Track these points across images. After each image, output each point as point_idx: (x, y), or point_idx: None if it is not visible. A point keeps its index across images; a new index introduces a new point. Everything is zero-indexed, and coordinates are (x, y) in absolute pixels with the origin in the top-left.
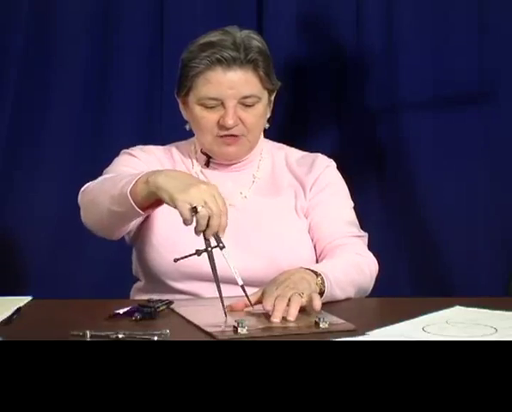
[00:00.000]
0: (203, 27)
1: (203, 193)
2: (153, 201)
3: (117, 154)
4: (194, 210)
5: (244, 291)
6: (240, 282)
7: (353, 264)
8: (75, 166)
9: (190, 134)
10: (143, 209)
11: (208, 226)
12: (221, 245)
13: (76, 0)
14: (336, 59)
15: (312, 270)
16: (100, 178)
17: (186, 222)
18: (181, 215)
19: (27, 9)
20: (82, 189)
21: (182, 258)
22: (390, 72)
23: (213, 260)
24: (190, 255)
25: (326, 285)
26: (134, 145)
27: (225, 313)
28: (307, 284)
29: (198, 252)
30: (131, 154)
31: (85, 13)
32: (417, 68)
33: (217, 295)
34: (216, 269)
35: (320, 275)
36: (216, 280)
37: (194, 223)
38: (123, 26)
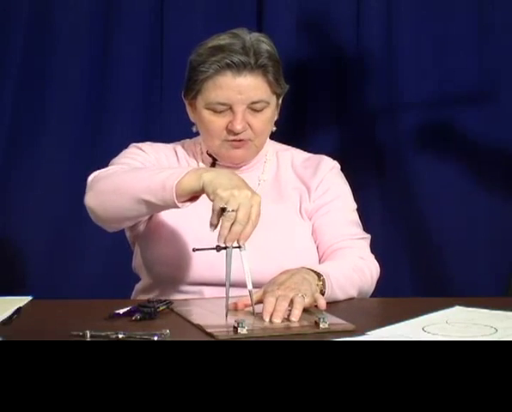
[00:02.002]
0: (203, 26)
1: (240, 198)
2: (192, 196)
3: (117, 154)
4: (223, 211)
5: (251, 296)
6: (250, 287)
7: (355, 267)
8: (74, 166)
9: (190, 134)
10: (181, 203)
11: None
12: (241, 246)
13: (76, 0)
14: (336, 59)
15: (313, 271)
16: (115, 168)
17: (212, 221)
18: (212, 212)
19: (27, 9)
20: (95, 175)
21: (200, 250)
22: (390, 72)
23: (230, 259)
24: (209, 248)
25: (327, 286)
26: None
27: (226, 314)
28: (309, 285)
29: (218, 248)
30: (140, 148)
31: (85, 13)
32: (418, 68)
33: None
34: (230, 269)
35: (321, 276)
36: (228, 280)
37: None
38: (123, 25)
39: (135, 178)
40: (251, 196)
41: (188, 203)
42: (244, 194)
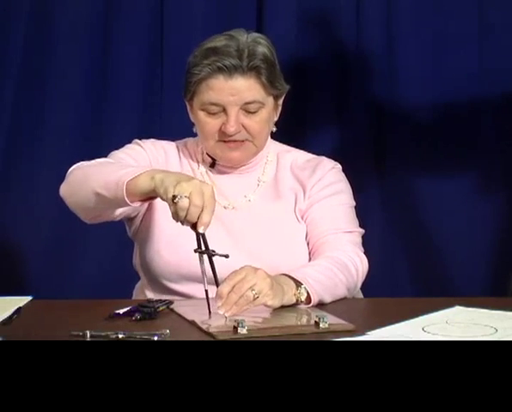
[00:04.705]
0: (203, 26)
1: (191, 186)
2: (147, 197)
3: None
4: (174, 199)
5: (207, 296)
6: (206, 287)
7: (338, 264)
8: None
9: (190, 134)
10: (133, 202)
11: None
12: (211, 251)
13: (76, 0)
14: (336, 59)
15: (295, 281)
16: (96, 161)
17: (172, 213)
18: (168, 206)
19: (27, 9)
20: (74, 166)
21: (201, 252)
22: (390, 72)
23: (212, 263)
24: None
25: (310, 293)
26: None
27: (210, 313)
28: (281, 293)
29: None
30: (139, 145)
31: (85, 13)
32: (417, 67)
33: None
34: (205, 271)
35: (301, 284)
36: (205, 282)
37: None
38: (123, 25)
39: (99, 172)
40: (201, 184)
41: (139, 203)
42: (193, 182)
